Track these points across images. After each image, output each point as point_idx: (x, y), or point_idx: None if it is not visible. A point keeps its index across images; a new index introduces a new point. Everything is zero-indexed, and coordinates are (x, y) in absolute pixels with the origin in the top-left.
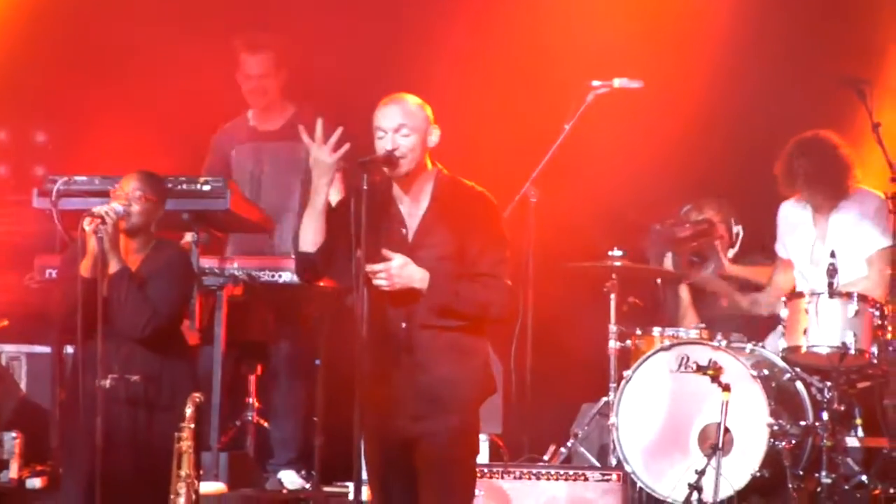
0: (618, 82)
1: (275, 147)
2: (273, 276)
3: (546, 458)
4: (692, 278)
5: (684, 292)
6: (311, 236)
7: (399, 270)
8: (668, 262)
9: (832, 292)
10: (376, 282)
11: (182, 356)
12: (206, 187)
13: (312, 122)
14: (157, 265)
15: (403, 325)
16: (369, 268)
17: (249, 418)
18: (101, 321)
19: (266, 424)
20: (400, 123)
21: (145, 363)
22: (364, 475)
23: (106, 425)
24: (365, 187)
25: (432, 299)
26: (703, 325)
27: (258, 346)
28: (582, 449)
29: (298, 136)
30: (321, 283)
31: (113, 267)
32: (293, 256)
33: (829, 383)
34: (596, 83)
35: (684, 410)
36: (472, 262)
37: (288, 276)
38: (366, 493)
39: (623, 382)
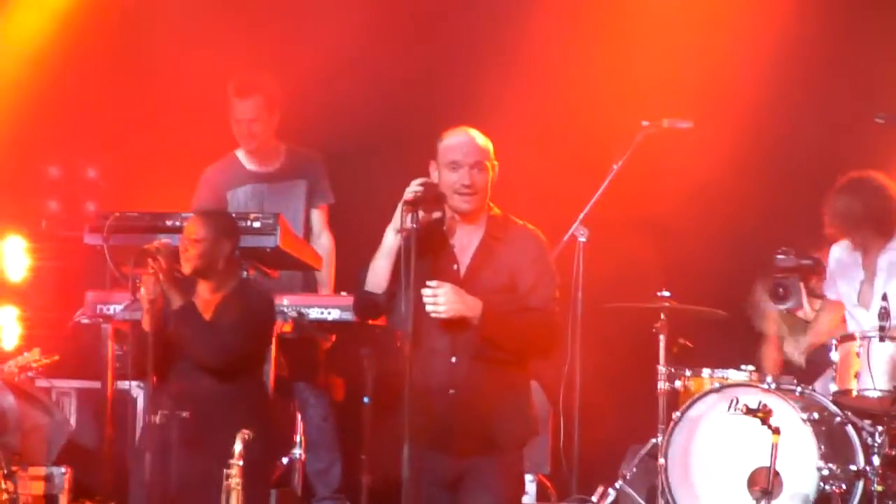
0: (667, 122)
1: (275, 188)
2: (322, 313)
3: (594, 499)
4: (766, 306)
5: (770, 323)
6: (379, 279)
7: (452, 295)
8: (756, 289)
9: (883, 335)
10: (428, 307)
11: (256, 396)
12: (256, 224)
13: (306, 158)
14: (234, 307)
15: (453, 359)
16: (424, 291)
17: (297, 455)
18: (155, 358)
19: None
20: (477, 159)
21: (217, 400)
22: None
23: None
24: (415, 226)
25: (484, 329)
26: (752, 368)
27: (279, 382)
28: (630, 490)
29: (296, 174)
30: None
31: (175, 303)
32: (355, 296)
33: (880, 427)
34: (645, 123)
35: (734, 453)
36: (524, 297)
37: (337, 314)
38: None
39: (672, 424)
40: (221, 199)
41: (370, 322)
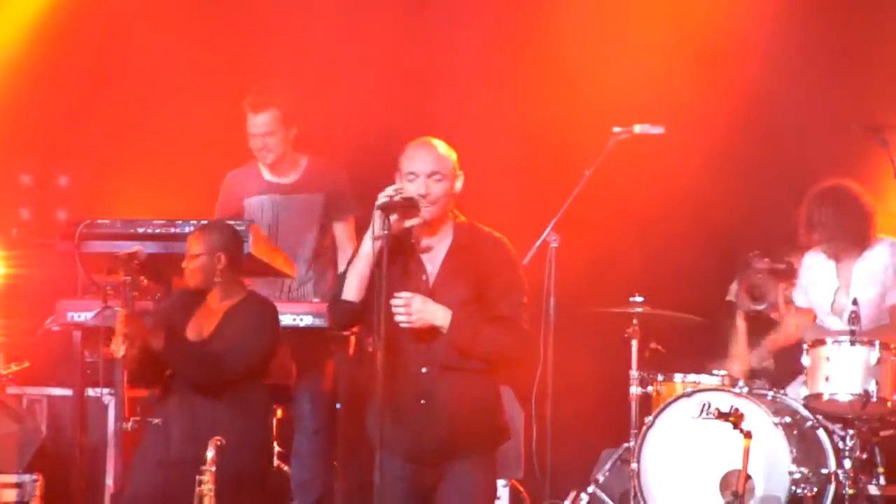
0: (639, 128)
1: (290, 200)
2: (295, 319)
3: (567, 503)
4: (742, 308)
5: (741, 322)
6: (356, 286)
7: (421, 305)
8: (732, 289)
9: (854, 340)
10: (398, 318)
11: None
12: None
13: (326, 172)
14: (238, 319)
15: (424, 369)
16: (393, 301)
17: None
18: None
19: (286, 468)
20: (433, 169)
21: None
22: None
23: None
24: (386, 231)
25: (453, 338)
26: (724, 372)
27: (278, 389)
28: (603, 495)
29: (313, 188)
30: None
31: (156, 346)
32: (331, 304)
33: (851, 431)
34: (617, 129)
35: (706, 457)
36: (491, 305)
37: (309, 320)
38: None
39: (644, 428)
40: (239, 205)
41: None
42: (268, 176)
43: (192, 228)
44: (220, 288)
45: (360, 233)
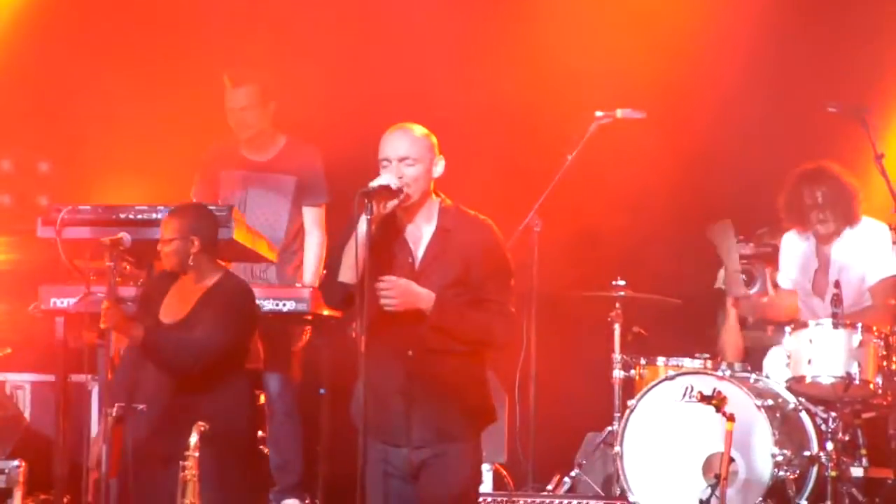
0: (620, 113)
1: (264, 178)
2: (277, 304)
3: (550, 487)
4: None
5: (731, 309)
6: (351, 269)
7: (405, 288)
8: (719, 276)
9: (836, 322)
10: (382, 300)
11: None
12: None
13: (301, 154)
14: (214, 301)
15: (410, 352)
16: (378, 285)
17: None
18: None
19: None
20: (404, 154)
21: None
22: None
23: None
24: (368, 217)
25: (437, 320)
26: (707, 356)
27: (260, 374)
28: (586, 478)
29: (288, 167)
30: (325, 312)
31: (135, 337)
32: (326, 287)
33: (833, 413)
34: (599, 113)
35: (688, 440)
36: (477, 288)
37: (292, 305)
38: None
39: (627, 412)
40: (215, 179)
41: (337, 313)
42: (244, 151)
43: None
44: (196, 270)
45: (330, 219)
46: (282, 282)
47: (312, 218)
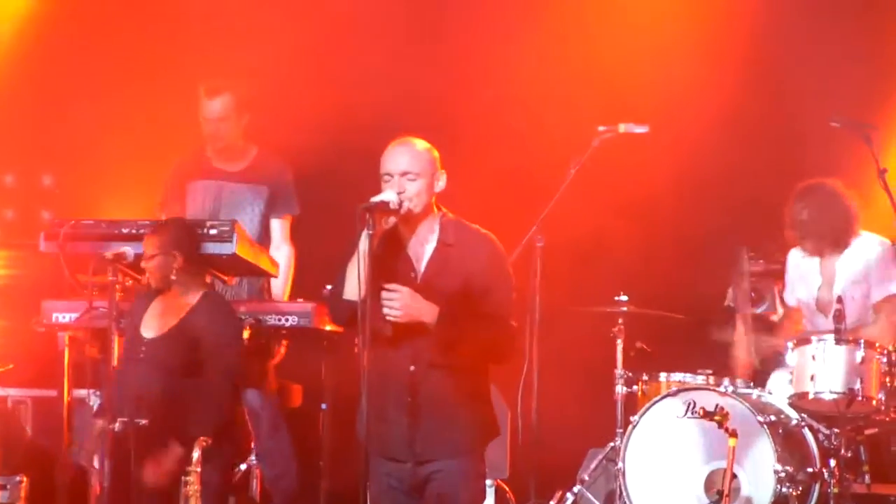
0: (623, 127)
1: (235, 188)
2: (280, 319)
3: (552, 503)
4: (741, 311)
5: (740, 324)
6: (356, 286)
7: (410, 300)
8: (729, 294)
9: (839, 338)
10: (385, 310)
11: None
12: (213, 231)
13: (272, 165)
14: (210, 330)
15: (412, 368)
16: (383, 294)
17: (254, 462)
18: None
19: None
20: (405, 169)
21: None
22: None
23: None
24: (370, 231)
25: (440, 334)
26: (709, 371)
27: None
28: (588, 494)
29: (259, 178)
30: (328, 328)
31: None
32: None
33: (836, 430)
34: (601, 128)
35: (691, 456)
36: (478, 302)
37: (294, 320)
38: None
39: (630, 428)
40: (182, 189)
41: (339, 328)
42: (215, 161)
43: None
44: (179, 285)
45: (305, 228)
46: (251, 293)
47: (281, 230)
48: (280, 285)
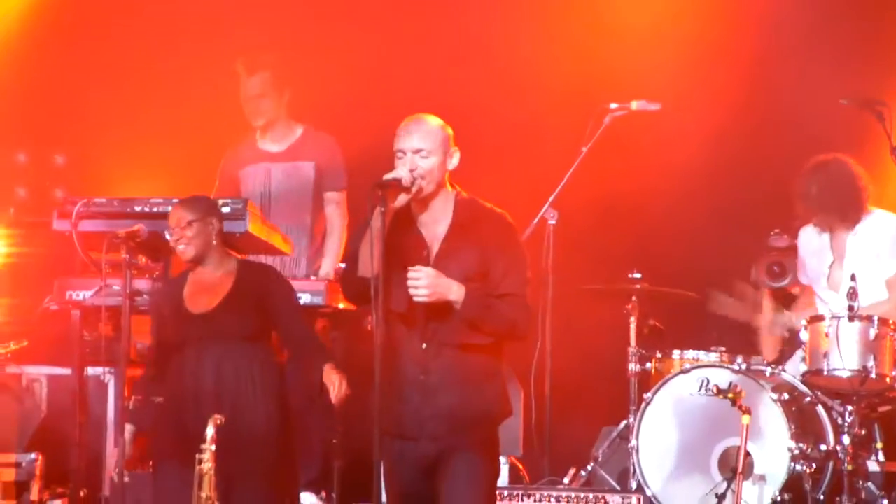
0: (635, 104)
1: (282, 168)
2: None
3: (566, 481)
4: (764, 286)
5: (766, 302)
6: (369, 263)
7: (436, 279)
8: (753, 272)
9: (852, 315)
10: (412, 290)
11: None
12: (226, 209)
13: (319, 141)
14: (276, 295)
15: (424, 345)
16: (411, 272)
17: None
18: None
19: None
20: (418, 147)
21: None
22: (384, 497)
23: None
24: (382, 209)
25: (466, 312)
26: (723, 349)
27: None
28: (602, 472)
29: (306, 155)
30: (341, 305)
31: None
32: (346, 282)
33: (849, 407)
34: (613, 105)
35: (704, 434)
36: (497, 282)
37: (308, 298)
38: None
39: (643, 405)
40: (234, 178)
41: (353, 305)
42: (262, 144)
43: None
44: (215, 255)
45: (351, 206)
46: (311, 269)
47: (335, 202)
48: (331, 258)
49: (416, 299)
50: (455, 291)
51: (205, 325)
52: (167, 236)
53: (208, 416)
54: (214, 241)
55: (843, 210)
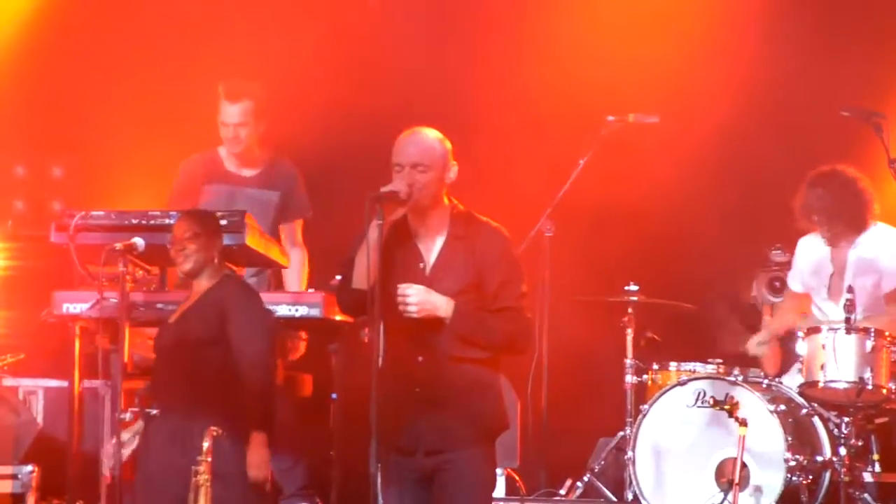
0: (633, 117)
1: (250, 193)
2: (290, 310)
3: (563, 492)
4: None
5: (767, 318)
6: (364, 275)
7: (425, 296)
8: (754, 287)
9: (850, 328)
10: (401, 307)
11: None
12: (223, 221)
13: (285, 172)
14: (235, 311)
15: (420, 358)
16: (400, 289)
17: None
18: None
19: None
20: (416, 161)
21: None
22: None
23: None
24: (379, 221)
25: (457, 328)
26: (719, 361)
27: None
28: (598, 483)
29: (273, 184)
30: (338, 318)
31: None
32: (340, 293)
33: (846, 419)
34: (611, 118)
35: (701, 445)
36: (494, 296)
37: (305, 311)
38: None
39: (640, 417)
40: (197, 190)
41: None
42: (228, 165)
43: None
44: (209, 272)
45: (307, 235)
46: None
47: (292, 234)
48: (295, 286)
49: (405, 315)
50: (444, 307)
51: (171, 332)
52: (168, 246)
53: (168, 413)
54: (216, 260)
55: (849, 221)
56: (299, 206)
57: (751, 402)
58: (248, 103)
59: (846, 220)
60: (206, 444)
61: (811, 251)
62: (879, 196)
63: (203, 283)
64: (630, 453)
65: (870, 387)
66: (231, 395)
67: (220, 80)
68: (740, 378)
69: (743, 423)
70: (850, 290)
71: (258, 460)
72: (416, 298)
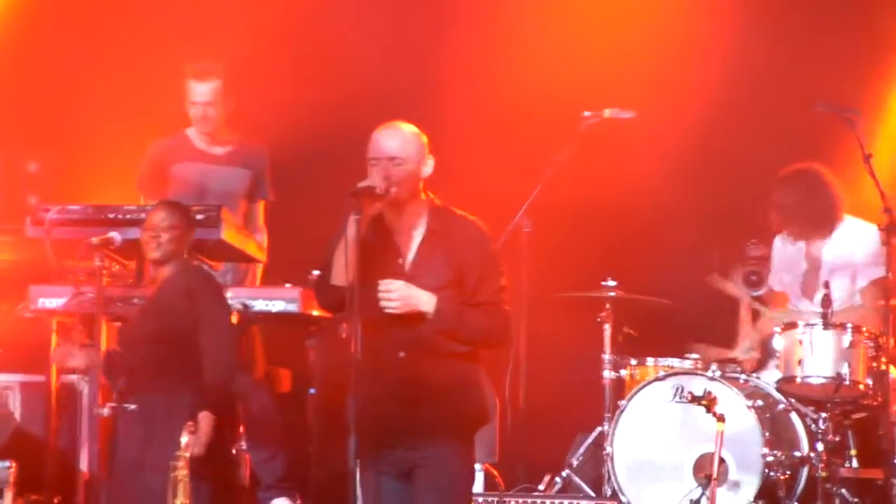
0: (609, 112)
1: (222, 171)
2: (267, 304)
3: (541, 487)
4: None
5: (744, 312)
6: (343, 271)
7: (406, 291)
8: (735, 277)
9: (826, 323)
10: (383, 302)
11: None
12: (200, 216)
13: (254, 151)
14: (199, 297)
15: (402, 354)
16: (382, 285)
17: (243, 447)
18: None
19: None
20: (392, 154)
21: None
22: None
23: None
24: (357, 216)
25: (439, 323)
26: (697, 356)
27: None
28: (577, 479)
29: (244, 163)
30: (315, 313)
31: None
32: (319, 290)
33: (823, 414)
34: (587, 113)
35: (679, 441)
36: (473, 290)
37: (282, 305)
38: None
39: (618, 412)
40: (165, 173)
41: (327, 313)
42: (199, 144)
43: None
44: (175, 263)
45: (280, 217)
46: (236, 277)
47: (258, 214)
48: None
49: (387, 311)
50: (426, 302)
51: (134, 324)
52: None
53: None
54: (186, 254)
55: (816, 220)
56: (265, 188)
57: (729, 398)
58: (216, 82)
59: (811, 218)
60: (184, 439)
61: (786, 249)
62: (854, 191)
63: (166, 272)
64: (608, 448)
65: (847, 382)
66: (199, 382)
67: (186, 62)
68: (718, 374)
69: (721, 418)
70: (827, 285)
71: (196, 440)
72: (399, 294)
